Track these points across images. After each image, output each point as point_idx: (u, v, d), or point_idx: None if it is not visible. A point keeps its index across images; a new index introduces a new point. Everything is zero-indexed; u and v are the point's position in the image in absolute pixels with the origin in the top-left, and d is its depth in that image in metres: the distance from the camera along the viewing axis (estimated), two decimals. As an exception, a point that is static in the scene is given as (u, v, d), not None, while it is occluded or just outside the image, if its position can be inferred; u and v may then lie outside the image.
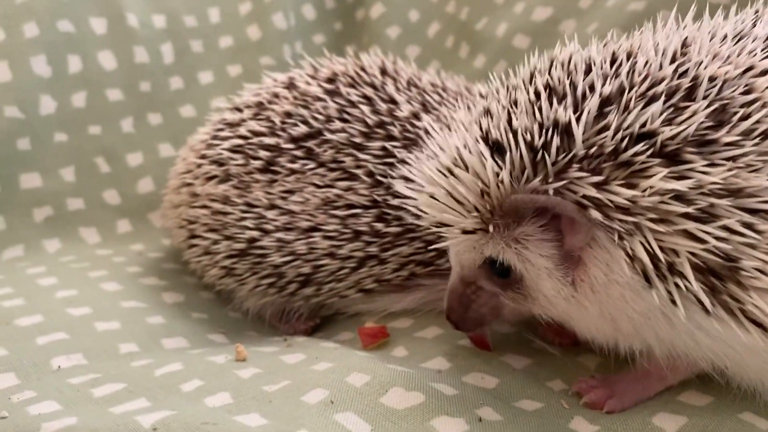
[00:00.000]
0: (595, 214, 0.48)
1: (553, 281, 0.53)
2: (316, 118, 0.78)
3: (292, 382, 0.56)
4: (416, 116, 0.77)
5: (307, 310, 0.80)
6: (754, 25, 0.56)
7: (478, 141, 0.52)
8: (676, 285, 0.47)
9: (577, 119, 0.48)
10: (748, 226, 0.46)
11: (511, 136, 0.50)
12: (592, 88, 0.50)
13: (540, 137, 0.49)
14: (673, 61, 0.50)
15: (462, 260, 0.58)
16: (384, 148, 0.75)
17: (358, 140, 0.76)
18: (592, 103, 0.49)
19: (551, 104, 0.50)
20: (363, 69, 0.83)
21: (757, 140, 0.47)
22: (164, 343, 0.72)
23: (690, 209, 0.46)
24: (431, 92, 0.81)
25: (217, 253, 0.79)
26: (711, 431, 0.53)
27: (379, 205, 0.73)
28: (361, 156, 0.75)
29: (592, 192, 0.47)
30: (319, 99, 0.79)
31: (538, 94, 0.52)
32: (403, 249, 0.73)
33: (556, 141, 0.48)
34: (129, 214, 1.01)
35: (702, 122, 0.47)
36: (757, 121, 0.47)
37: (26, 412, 0.55)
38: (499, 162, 0.50)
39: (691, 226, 0.46)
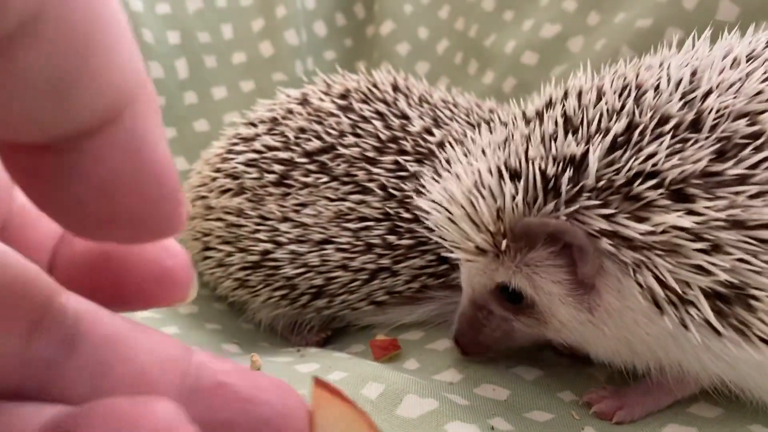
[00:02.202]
0: (605, 244, 0.49)
1: (567, 307, 0.54)
2: (329, 133, 0.79)
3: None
4: (428, 131, 0.78)
5: (318, 322, 0.82)
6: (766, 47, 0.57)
7: (497, 166, 0.54)
8: (687, 312, 0.49)
9: (590, 153, 0.50)
10: (754, 254, 0.47)
11: (526, 164, 0.52)
12: (603, 122, 0.52)
13: (553, 167, 0.51)
14: (681, 95, 0.51)
15: (473, 284, 0.59)
16: (396, 162, 0.76)
17: (370, 154, 0.77)
18: (607, 138, 0.50)
19: (566, 136, 0.52)
20: (375, 85, 0.84)
21: (760, 172, 0.48)
22: (180, 352, 0.73)
23: (698, 244, 0.47)
24: (442, 108, 0.82)
25: (231, 265, 0.80)
26: (722, 441, 0.54)
27: (392, 217, 0.75)
28: (374, 170, 0.76)
29: (602, 223, 0.49)
30: (333, 114, 0.81)
31: (553, 124, 0.53)
32: (415, 261, 0.74)
33: (568, 172, 0.50)
34: (143, 225, 1.02)
35: (709, 158, 0.48)
36: (761, 153, 0.48)
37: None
38: (514, 187, 0.52)
39: (699, 259, 0.47)
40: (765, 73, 0.52)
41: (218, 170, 0.83)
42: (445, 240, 0.59)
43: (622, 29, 0.98)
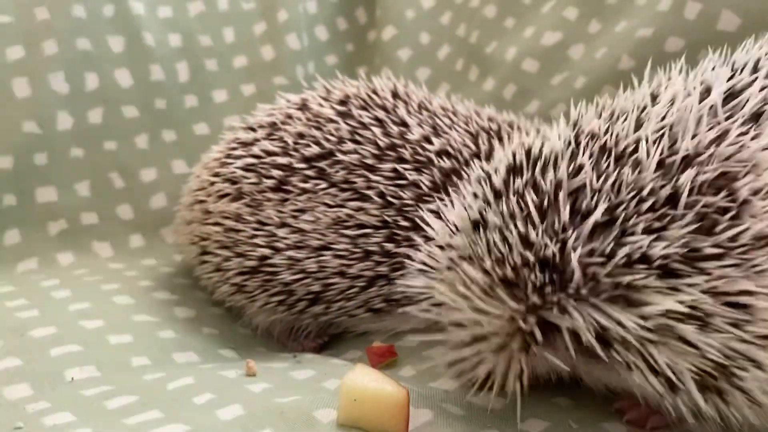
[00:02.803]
0: (601, 353, 0.48)
1: (607, 374, 0.54)
2: (328, 140, 0.79)
3: (303, 397, 0.57)
4: (427, 139, 0.78)
5: (315, 328, 0.81)
6: (753, 71, 0.56)
7: (489, 270, 0.51)
8: (679, 397, 0.49)
9: (573, 247, 0.48)
10: (735, 324, 0.47)
11: (514, 271, 0.50)
12: (581, 203, 0.49)
13: (538, 270, 0.49)
14: (658, 164, 0.50)
15: None
16: (395, 170, 0.76)
17: (369, 162, 0.77)
18: (585, 229, 0.48)
19: (542, 225, 0.49)
20: (375, 92, 0.84)
21: (737, 245, 0.47)
22: (175, 357, 0.73)
23: (692, 325, 0.47)
24: (442, 116, 0.82)
25: (229, 270, 0.80)
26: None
27: (390, 225, 0.75)
28: (373, 177, 0.76)
29: (591, 335, 0.48)
30: (332, 121, 0.81)
31: (526, 209, 0.51)
32: (413, 269, 0.74)
33: (549, 275, 0.48)
34: (142, 229, 1.02)
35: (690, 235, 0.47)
36: (738, 226, 0.48)
37: (41, 423, 0.56)
38: (514, 297, 0.50)
39: (692, 337, 0.47)
40: (744, 122, 0.51)
41: (217, 174, 0.83)
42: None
43: (623, 38, 0.98)
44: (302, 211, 0.78)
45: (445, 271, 0.55)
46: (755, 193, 0.49)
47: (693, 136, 0.51)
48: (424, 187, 0.75)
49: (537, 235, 0.49)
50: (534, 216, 0.50)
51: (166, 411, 0.57)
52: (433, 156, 0.76)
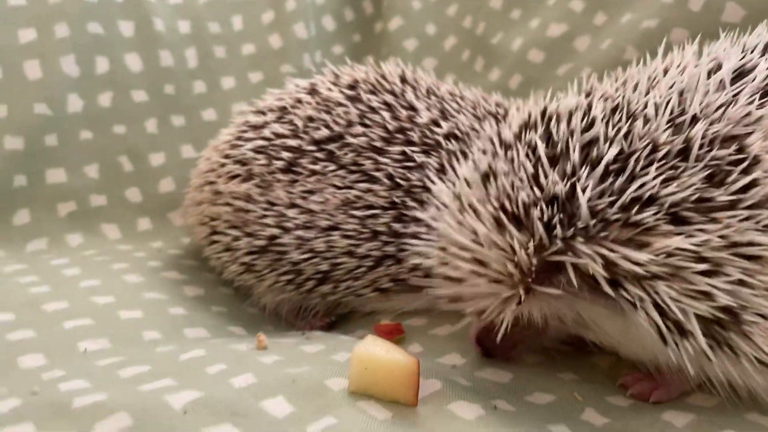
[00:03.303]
0: (609, 288, 0.49)
1: (605, 320, 0.54)
2: (337, 123, 0.80)
3: (314, 368, 0.58)
4: (435, 123, 0.79)
5: (323, 308, 0.83)
6: (763, 53, 0.57)
7: (495, 211, 0.52)
8: (685, 344, 0.50)
9: (580, 187, 0.49)
10: (751, 275, 0.48)
11: (523, 208, 0.51)
12: (592, 150, 0.51)
13: (547, 209, 0.50)
14: (669, 121, 0.51)
15: None
16: (403, 153, 0.77)
17: (378, 144, 0.78)
18: (596, 171, 0.50)
19: (552, 169, 0.51)
20: (383, 77, 0.85)
21: (748, 196, 0.49)
22: (186, 332, 0.74)
23: (700, 266, 0.48)
24: (449, 100, 0.83)
25: (238, 250, 0.81)
26: (719, 426, 0.55)
27: (398, 206, 0.76)
28: (381, 159, 0.77)
29: (599, 266, 0.49)
30: (341, 104, 0.82)
31: (537, 156, 0.52)
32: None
33: (560, 214, 0.49)
34: (150, 212, 1.03)
35: (701, 183, 0.49)
36: (748, 176, 0.49)
37: (57, 388, 0.56)
38: (519, 234, 0.50)
39: (701, 282, 0.48)
40: (752, 95, 0.53)
41: (227, 156, 0.84)
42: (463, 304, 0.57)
43: (628, 29, 0.99)
44: (311, 192, 0.79)
45: (454, 209, 0.56)
46: (766, 152, 0.50)
47: (702, 101, 0.52)
48: (432, 170, 0.76)
49: (547, 176, 0.50)
50: (544, 163, 0.51)
51: (179, 379, 0.58)
52: (441, 139, 0.78)
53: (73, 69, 1.00)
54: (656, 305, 0.49)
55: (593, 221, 0.49)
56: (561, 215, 0.49)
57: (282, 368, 0.60)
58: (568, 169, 0.50)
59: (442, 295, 0.58)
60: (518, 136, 0.55)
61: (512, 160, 0.53)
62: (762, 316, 0.49)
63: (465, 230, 0.54)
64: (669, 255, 0.48)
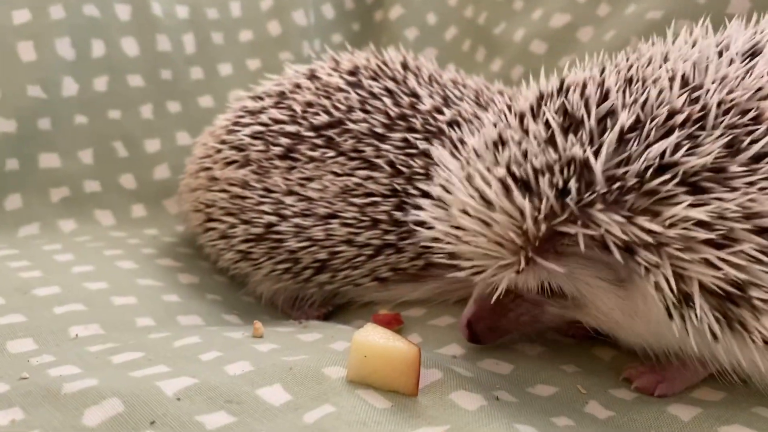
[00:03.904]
0: (620, 255, 0.48)
1: (609, 296, 0.53)
2: (337, 108, 0.79)
3: (312, 356, 0.57)
4: (438, 110, 0.78)
5: (320, 298, 0.81)
6: None
7: (503, 176, 0.51)
8: (690, 315, 0.49)
9: (597, 152, 0.48)
10: (763, 251, 0.47)
11: (533, 173, 0.50)
12: (608, 118, 0.50)
13: (561, 174, 0.49)
14: (686, 90, 0.51)
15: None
16: (405, 140, 0.76)
17: (379, 131, 0.77)
18: (612, 136, 0.49)
19: (567, 137, 0.50)
20: (385, 63, 0.84)
21: (765, 165, 0.48)
22: (180, 319, 0.72)
23: (712, 235, 0.47)
24: (452, 88, 0.82)
25: (234, 237, 0.80)
26: (725, 420, 0.54)
27: (399, 194, 0.74)
28: (382, 146, 0.76)
29: (617, 232, 0.48)
30: (341, 90, 0.80)
31: (551, 121, 0.51)
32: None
33: (575, 179, 0.48)
34: (144, 199, 1.01)
35: (718, 152, 0.48)
36: (767, 146, 0.48)
37: (47, 373, 0.55)
38: (528, 199, 0.49)
39: (710, 253, 0.47)
40: (765, 70, 0.52)
41: (223, 142, 0.82)
42: (461, 262, 0.56)
43: (632, 20, 0.98)
44: (310, 179, 0.77)
45: (462, 175, 0.55)
46: None
47: (717, 71, 0.51)
48: (434, 157, 0.75)
49: (561, 143, 0.49)
50: (560, 130, 0.50)
51: (173, 366, 0.56)
52: (444, 126, 0.76)
53: (68, 52, 0.99)
54: (666, 274, 0.48)
55: (611, 186, 0.48)
56: (577, 180, 0.48)
57: (278, 356, 0.58)
58: (585, 136, 0.49)
59: (441, 252, 0.56)
60: (532, 107, 0.54)
61: (526, 130, 0.52)
62: None
63: (473, 191, 0.53)
64: (685, 224, 0.47)
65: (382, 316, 0.73)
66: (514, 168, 0.51)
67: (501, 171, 0.51)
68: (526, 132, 0.52)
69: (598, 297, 0.54)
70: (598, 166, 0.48)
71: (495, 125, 0.56)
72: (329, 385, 0.53)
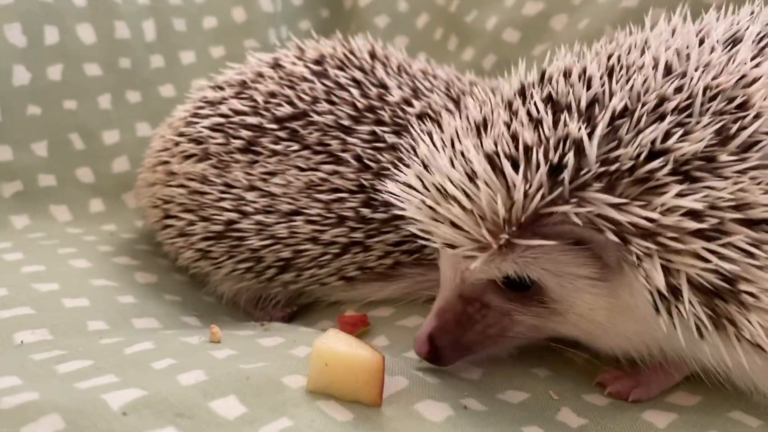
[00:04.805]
0: (613, 237, 0.46)
1: (588, 296, 0.51)
2: (301, 99, 0.75)
3: (271, 364, 0.54)
4: (407, 102, 0.75)
5: (284, 297, 0.78)
6: (748, 28, 0.55)
7: (491, 152, 0.49)
8: (677, 310, 0.47)
9: (591, 134, 0.47)
10: (753, 244, 0.46)
11: (524, 150, 0.48)
12: (596, 105, 0.49)
13: (553, 153, 0.47)
14: (667, 73, 0.50)
15: (466, 275, 0.53)
16: (373, 133, 0.73)
17: (345, 123, 0.73)
18: (605, 118, 0.47)
19: (558, 118, 0.48)
20: (352, 52, 0.81)
21: (758, 153, 0.47)
22: (135, 322, 0.69)
23: (704, 225, 0.45)
24: (422, 79, 0.79)
25: (193, 235, 0.76)
26: (702, 427, 0.52)
27: (366, 190, 0.71)
28: (349, 140, 0.73)
29: (612, 213, 0.46)
30: (306, 80, 0.77)
31: (538, 108, 0.50)
32: (389, 236, 0.71)
33: (570, 157, 0.47)
34: (102, 193, 0.97)
35: (708, 139, 0.47)
36: (756, 134, 0.47)
37: (-15, 386, 0.51)
38: (516, 175, 0.47)
39: (699, 245, 0.45)
40: (747, 57, 0.51)
41: (182, 134, 0.79)
42: (431, 237, 0.52)
43: (606, 9, 0.96)
44: (272, 173, 0.74)
45: (444, 152, 0.52)
46: None
47: (699, 59, 0.50)
48: (403, 151, 0.72)
49: (552, 124, 0.48)
50: (549, 114, 0.48)
51: (123, 375, 0.53)
52: (413, 119, 0.73)
53: (19, 39, 0.94)
54: (657, 265, 0.46)
55: (605, 169, 0.46)
56: (569, 160, 0.46)
57: (236, 363, 0.55)
58: (576, 119, 0.48)
59: (416, 222, 0.53)
60: (517, 93, 0.53)
61: (515, 112, 0.50)
62: (764, 290, 0.46)
63: (457, 164, 0.50)
64: (675, 214, 0.45)
65: (349, 318, 0.71)
66: (503, 145, 0.48)
67: (489, 146, 0.49)
68: (514, 114, 0.50)
69: (577, 295, 0.51)
70: (593, 146, 0.46)
71: (480, 108, 0.54)
72: (288, 395, 0.50)
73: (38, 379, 0.53)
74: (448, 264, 0.54)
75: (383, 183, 0.69)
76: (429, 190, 0.51)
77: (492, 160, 0.48)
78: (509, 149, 0.48)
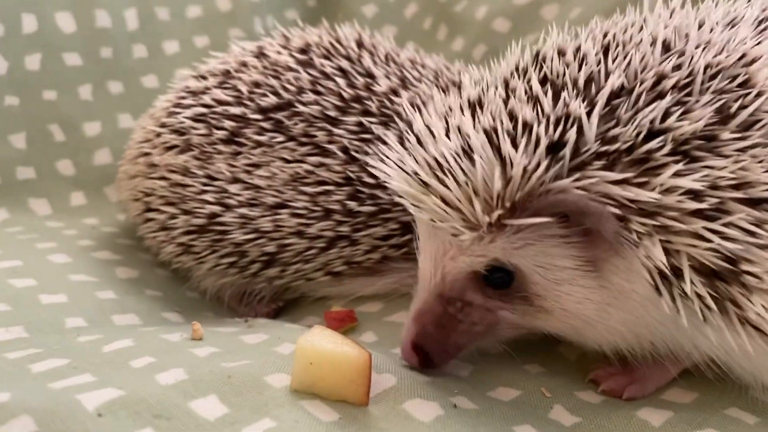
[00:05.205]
0: (616, 213, 0.45)
1: (576, 288, 0.49)
2: (286, 89, 0.73)
3: (254, 361, 0.52)
4: (395, 92, 0.73)
5: (269, 293, 0.76)
6: (746, 12, 0.54)
7: (489, 127, 0.47)
8: (680, 292, 0.46)
9: (589, 113, 0.46)
10: (755, 224, 0.45)
11: (522, 126, 0.46)
12: (593, 83, 0.48)
13: (553, 130, 0.46)
14: (666, 51, 0.49)
15: (446, 268, 0.51)
16: (360, 124, 0.71)
17: (332, 114, 0.71)
18: (603, 95, 0.46)
19: (557, 96, 0.47)
20: (338, 41, 0.79)
21: (759, 131, 0.46)
22: (114, 319, 0.67)
23: (703, 205, 0.44)
24: (410, 68, 0.77)
25: (175, 229, 0.74)
26: (698, 425, 0.51)
27: (353, 182, 0.69)
28: (336, 131, 0.71)
29: (613, 190, 0.45)
30: (291, 69, 0.75)
31: (536, 85, 0.48)
32: (377, 230, 0.69)
33: (570, 134, 0.45)
34: (83, 186, 0.95)
35: (708, 118, 0.46)
36: (757, 112, 0.46)
37: (-46, 387, 0.49)
38: (514, 151, 0.46)
39: (700, 225, 0.44)
40: (747, 36, 0.50)
41: (163, 125, 0.76)
42: (420, 211, 0.50)
43: (598, -2, 0.94)
44: (256, 165, 0.72)
45: (440, 127, 0.51)
46: None
47: (700, 37, 0.49)
48: (390, 142, 0.70)
49: (551, 102, 0.47)
50: (548, 92, 0.47)
51: (99, 375, 0.51)
52: (401, 110, 0.71)
53: (-6, 27, 0.91)
54: (656, 242, 0.45)
55: (603, 149, 0.45)
56: (570, 137, 0.45)
57: (217, 362, 0.53)
58: (574, 97, 0.47)
59: (404, 196, 0.51)
60: (513, 73, 0.51)
61: (513, 89, 0.49)
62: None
63: (454, 138, 0.49)
64: (674, 194, 0.44)
65: (335, 313, 0.69)
66: (500, 121, 0.47)
67: (487, 121, 0.48)
68: (512, 91, 0.49)
69: (564, 288, 0.49)
70: (591, 125, 0.45)
71: (475, 85, 0.53)
72: (271, 395, 0.48)
73: (11, 379, 0.51)
74: (428, 257, 0.52)
75: (371, 175, 0.68)
76: (420, 164, 0.50)
77: (489, 135, 0.47)
78: (508, 125, 0.47)
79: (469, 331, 0.53)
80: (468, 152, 0.47)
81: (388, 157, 0.53)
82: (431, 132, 0.51)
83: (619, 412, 0.52)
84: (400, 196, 0.52)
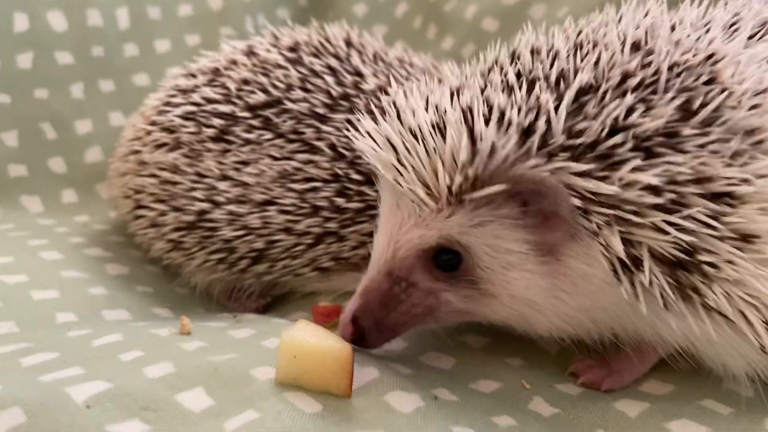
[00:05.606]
0: (578, 203, 0.47)
1: (525, 273, 0.50)
2: (275, 86, 0.74)
3: (240, 355, 0.53)
4: (383, 90, 0.74)
5: (258, 288, 0.77)
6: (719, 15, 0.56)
7: (466, 106, 0.49)
8: (640, 280, 0.47)
9: (557, 107, 0.47)
10: (713, 216, 0.46)
11: (498, 110, 0.48)
12: (564, 78, 0.49)
13: (525, 116, 0.47)
14: (636, 50, 0.50)
15: (399, 243, 0.52)
16: (348, 121, 0.72)
17: (320, 111, 0.72)
18: (571, 91, 0.48)
19: (530, 89, 0.49)
20: (327, 39, 0.79)
21: (720, 127, 0.47)
22: (105, 314, 0.68)
23: (661, 200, 0.46)
24: (398, 67, 0.78)
25: (165, 225, 0.75)
26: (673, 415, 0.52)
27: (341, 179, 0.70)
28: (324, 128, 0.72)
29: (575, 181, 0.46)
30: (280, 67, 0.76)
31: (511, 79, 0.50)
32: (364, 226, 0.70)
33: (540, 125, 0.47)
34: (75, 183, 0.96)
35: (671, 115, 0.47)
36: (720, 108, 0.47)
37: (-55, 381, 0.50)
38: (487, 129, 0.47)
39: (659, 218, 0.46)
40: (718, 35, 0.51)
41: (153, 123, 0.77)
42: (389, 175, 0.52)
43: (586, -3, 0.95)
44: (245, 163, 0.73)
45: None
46: (739, 83, 0.48)
47: (669, 36, 0.50)
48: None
49: (524, 93, 0.48)
50: (522, 84, 0.49)
51: (88, 368, 0.52)
52: (388, 108, 0.72)
53: (-14, 26, 0.92)
54: (615, 233, 0.46)
55: (569, 142, 0.46)
56: (539, 126, 0.47)
57: (204, 356, 0.54)
58: (545, 91, 0.48)
59: (375, 160, 0.53)
60: (490, 69, 0.53)
61: (490, 81, 0.51)
62: (729, 262, 0.46)
63: (430, 113, 0.50)
64: (635, 188, 0.46)
65: (323, 308, 0.70)
66: (476, 105, 0.49)
67: (464, 103, 0.49)
68: (489, 83, 0.51)
69: (515, 271, 0.50)
70: (559, 119, 0.47)
71: (456, 77, 0.54)
72: (256, 387, 0.49)
73: (1, 372, 0.52)
74: (384, 232, 0.53)
75: (358, 172, 0.69)
76: (395, 132, 0.52)
77: (465, 114, 0.49)
78: (484, 110, 0.49)
79: (408, 312, 0.53)
80: (442, 128, 0.49)
81: (364, 126, 0.55)
82: (409, 104, 0.53)
83: (597, 403, 0.53)
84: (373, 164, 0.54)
